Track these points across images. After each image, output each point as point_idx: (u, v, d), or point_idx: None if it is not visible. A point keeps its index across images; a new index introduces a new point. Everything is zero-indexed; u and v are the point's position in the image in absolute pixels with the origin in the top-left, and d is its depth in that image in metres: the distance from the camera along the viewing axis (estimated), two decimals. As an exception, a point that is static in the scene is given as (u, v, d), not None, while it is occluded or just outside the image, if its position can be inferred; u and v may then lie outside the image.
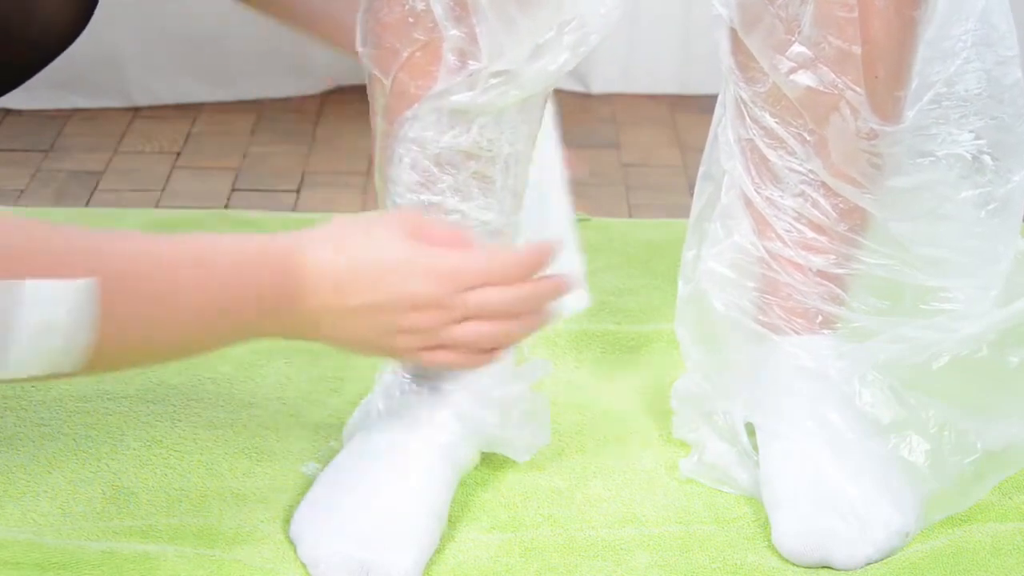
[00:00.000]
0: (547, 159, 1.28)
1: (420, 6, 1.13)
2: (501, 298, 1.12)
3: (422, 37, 1.14)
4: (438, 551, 1.19)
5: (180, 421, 1.34)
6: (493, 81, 1.14)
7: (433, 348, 1.13)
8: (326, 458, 1.27)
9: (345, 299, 1.09)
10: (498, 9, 1.12)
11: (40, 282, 0.96)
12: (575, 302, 1.22)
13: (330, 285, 1.08)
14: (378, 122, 1.20)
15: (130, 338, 1.02)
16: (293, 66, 2.15)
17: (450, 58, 1.14)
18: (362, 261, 1.10)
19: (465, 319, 1.12)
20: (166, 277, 1.04)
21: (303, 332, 1.10)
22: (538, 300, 1.14)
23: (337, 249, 1.10)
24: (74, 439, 1.31)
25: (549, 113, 1.24)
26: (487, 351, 1.15)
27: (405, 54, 1.15)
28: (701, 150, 1.31)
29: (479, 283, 1.11)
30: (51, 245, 0.99)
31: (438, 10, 1.13)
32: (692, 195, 1.32)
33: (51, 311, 0.96)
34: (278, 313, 1.08)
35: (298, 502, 1.22)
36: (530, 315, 1.14)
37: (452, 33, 1.13)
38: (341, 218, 1.13)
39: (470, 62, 1.14)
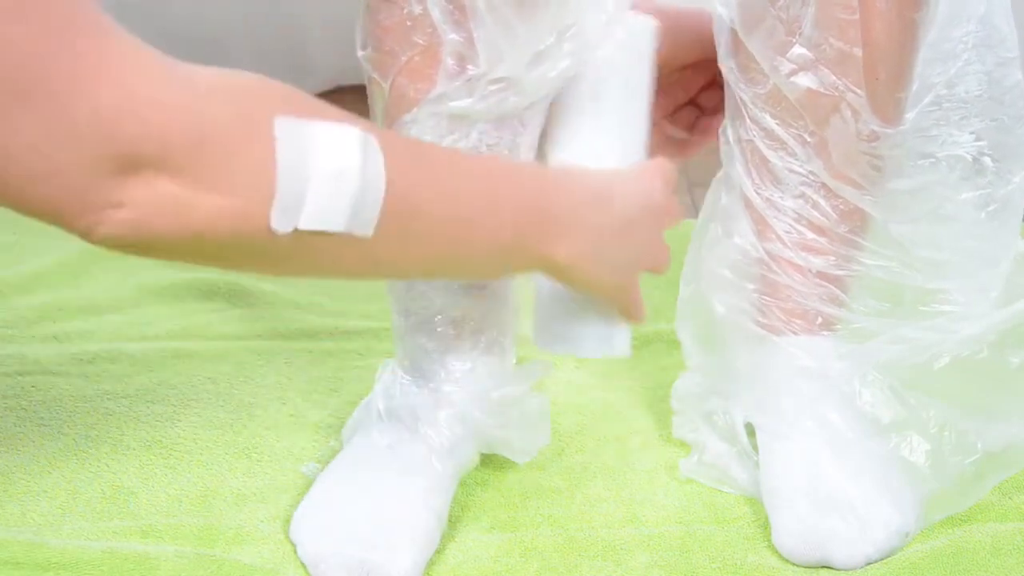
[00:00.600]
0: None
1: (418, 10, 1.13)
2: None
3: (421, 41, 1.14)
4: (438, 551, 1.19)
5: (180, 421, 1.34)
6: (492, 88, 1.14)
7: (664, 261, 1.15)
8: (326, 458, 1.27)
9: (615, 208, 1.09)
10: (496, 15, 1.12)
11: (328, 124, 0.92)
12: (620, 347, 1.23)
13: (581, 181, 1.09)
14: (378, 125, 1.20)
15: (417, 207, 0.97)
16: (293, 66, 2.15)
17: (449, 62, 1.14)
18: (614, 174, 1.12)
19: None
20: (445, 150, 1.03)
21: (560, 238, 1.06)
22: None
23: (588, 171, 1.11)
24: (74, 439, 1.31)
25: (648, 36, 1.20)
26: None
27: (404, 58, 1.15)
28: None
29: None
30: (330, 107, 0.95)
31: (436, 14, 1.12)
32: (692, 195, 1.32)
33: (343, 156, 0.92)
34: (558, 223, 1.06)
35: (298, 502, 1.22)
36: None
37: (451, 37, 1.13)
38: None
39: (469, 67, 1.14)
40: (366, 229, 0.94)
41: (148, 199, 0.87)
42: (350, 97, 2.17)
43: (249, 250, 0.92)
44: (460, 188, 1.01)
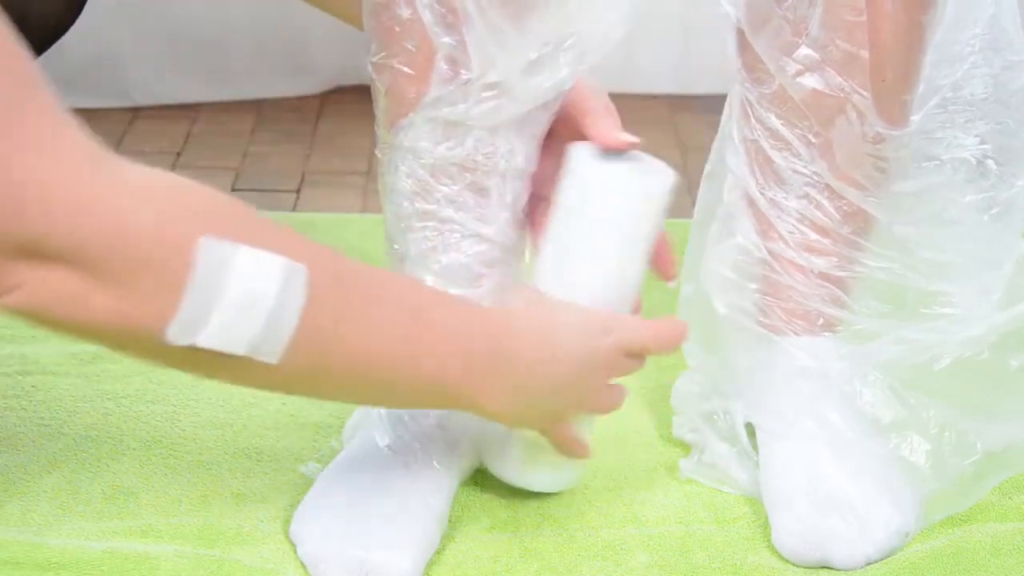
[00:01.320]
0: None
1: (406, 14, 1.13)
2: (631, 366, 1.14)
3: (411, 46, 1.14)
4: (438, 551, 1.19)
5: (180, 421, 1.34)
6: (486, 94, 1.14)
7: (598, 406, 1.14)
8: (326, 458, 1.27)
9: (546, 352, 1.08)
10: (486, 19, 1.12)
11: (253, 250, 0.91)
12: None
13: (537, 337, 1.08)
14: (378, 128, 1.20)
15: (332, 342, 0.97)
16: (293, 66, 2.15)
17: (443, 66, 1.14)
18: (565, 318, 1.10)
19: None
20: (379, 284, 1.01)
21: (488, 394, 1.06)
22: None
23: (540, 312, 1.10)
24: (74, 439, 1.31)
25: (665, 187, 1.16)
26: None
27: (397, 61, 1.15)
28: (701, 150, 1.30)
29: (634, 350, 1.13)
30: (267, 226, 0.94)
31: (427, 16, 1.12)
32: (692, 195, 1.32)
33: (260, 284, 0.91)
34: (484, 371, 1.05)
35: (298, 502, 1.22)
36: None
37: (444, 40, 1.13)
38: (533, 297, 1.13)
39: (462, 71, 1.14)
40: (271, 357, 0.94)
41: (45, 288, 0.87)
42: (350, 97, 2.18)
43: (142, 350, 0.93)
44: (384, 329, 1.00)
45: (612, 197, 1.14)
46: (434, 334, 1.03)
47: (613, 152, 1.16)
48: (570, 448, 1.17)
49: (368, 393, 1.06)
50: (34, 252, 0.85)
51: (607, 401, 1.15)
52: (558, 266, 1.16)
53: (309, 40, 2.16)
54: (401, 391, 1.05)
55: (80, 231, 0.86)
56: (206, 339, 0.91)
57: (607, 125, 1.16)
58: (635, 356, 1.14)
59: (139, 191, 0.89)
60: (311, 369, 0.98)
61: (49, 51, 1.42)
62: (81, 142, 0.87)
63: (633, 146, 1.17)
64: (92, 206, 0.86)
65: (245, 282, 0.91)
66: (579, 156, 1.15)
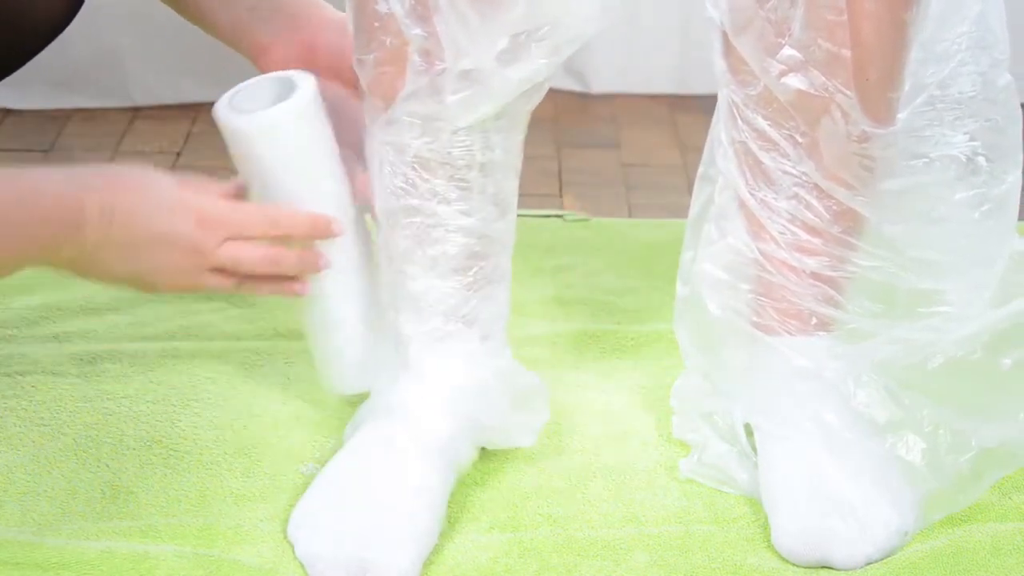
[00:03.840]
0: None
1: (383, 9, 1.13)
2: (251, 256, 1.19)
3: (388, 41, 1.14)
4: (437, 551, 1.19)
5: (180, 421, 1.34)
6: (459, 84, 1.14)
7: (190, 285, 1.19)
8: (326, 458, 1.27)
9: (118, 233, 1.13)
10: (455, 7, 1.12)
11: None
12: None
13: (107, 221, 1.13)
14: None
15: None
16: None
17: (416, 59, 1.14)
18: (137, 201, 1.15)
19: (216, 268, 1.18)
20: None
21: (83, 267, 1.14)
22: (289, 267, 1.21)
23: (115, 188, 1.14)
24: (74, 439, 1.31)
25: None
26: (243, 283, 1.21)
27: (378, 56, 1.15)
28: (701, 150, 1.31)
29: (236, 235, 1.18)
30: None
31: (398, 9, 1.13)
32: (692, 195, 1.32)
33: None
34: (59, 248, 1.12)
35: (297, 502, 1.22)
36: (279, 280, 1.22)
37: (415, 32, 1.13)
38: (117, 165, 1.19)
39: (436, 63, 1.14)
40: None
41: None
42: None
43: None
44: None
45: (248, 143, 1.22)
46: (14, 230, 1.10)
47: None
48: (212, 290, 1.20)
49: None
50: None
51: (185, 283, 1.19)
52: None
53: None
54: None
55: None
56: None
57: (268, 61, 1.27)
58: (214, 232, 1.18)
59: None
60: None
61: (49, 50, 1.41)
62: None
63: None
64: None
65: None
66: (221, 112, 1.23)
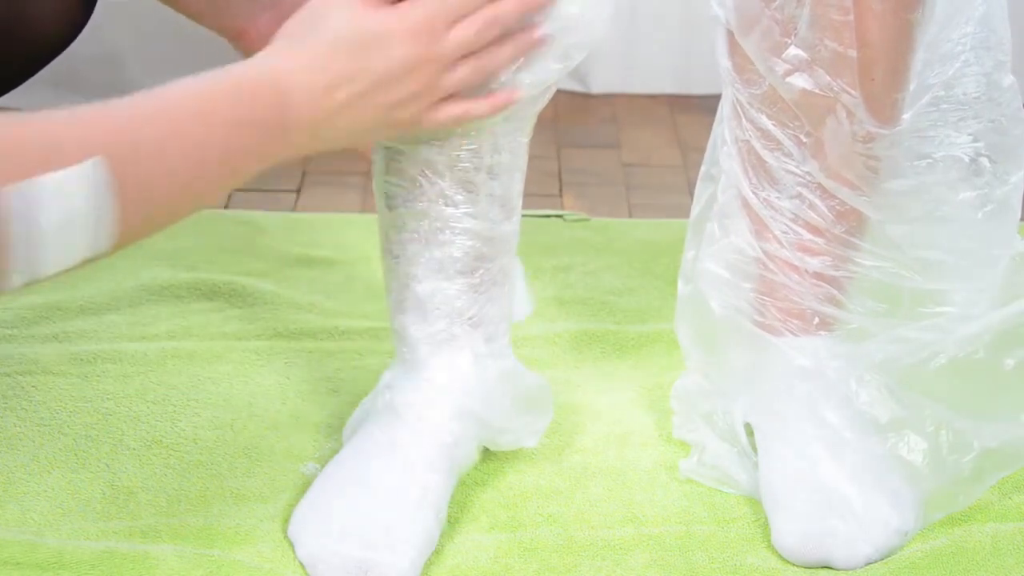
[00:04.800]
0: None
1: None
2: (478, 26, 1.10)
3: None
4: (437, 551, 1.19)
5: (180, 421, 1.34)
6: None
7: (436, 107, 1.12)
8: (326, 458, 1.27)
9: (334, 95, 1.07)
10: None
11: (48, 178, 0.92)
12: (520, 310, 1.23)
13: (318, 89, 1.06)
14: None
15: (149, 198, 0.99)
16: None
17: None
18: (336, 52, 1.08)
19: (454, 63, 1.11)
20: (165, 131, 1.01)
21: (308, 144, 1.08)
22: (513, 16, 1.12)
23: (310, 54, 1.07)
24: (74, 439, 1.31)
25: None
26: (490, 94, 1.14)
27: None
28: (701, 150, 1.31)
29: (451, 21, 1.10)
30: (48, 132, 0.95)
31: None
32: (692, 195, 1.32)
33: (69, 204, 0.93)
34: (276, 134, 1.06)
35: (297, 502, 1.22)
36: (515, 36, 1.13)
37: None
38: (291, 22, 1.10)
39: None
40: (106, 246, 0.97)
41: None
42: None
43: None
44: (187, 156, 1.01)
45: None
46: (227, 129, 1.04)
47: None
48: (449, 118, 1.13)
49: (203, 200, 1.06)
50: None
51: (448, 84, 1.11)
52: None
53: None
54: (228, 185, 1.07)
55: None
56: (45, 269, 0.94)
57: None
58: (433, 37, 1.10)
59: None
60: (144, 224, 1.01)
61: (49, 50, 1.42)
62: None
63: None
64: None
65: (56, 209, 0.93)
66: None
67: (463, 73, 1.11)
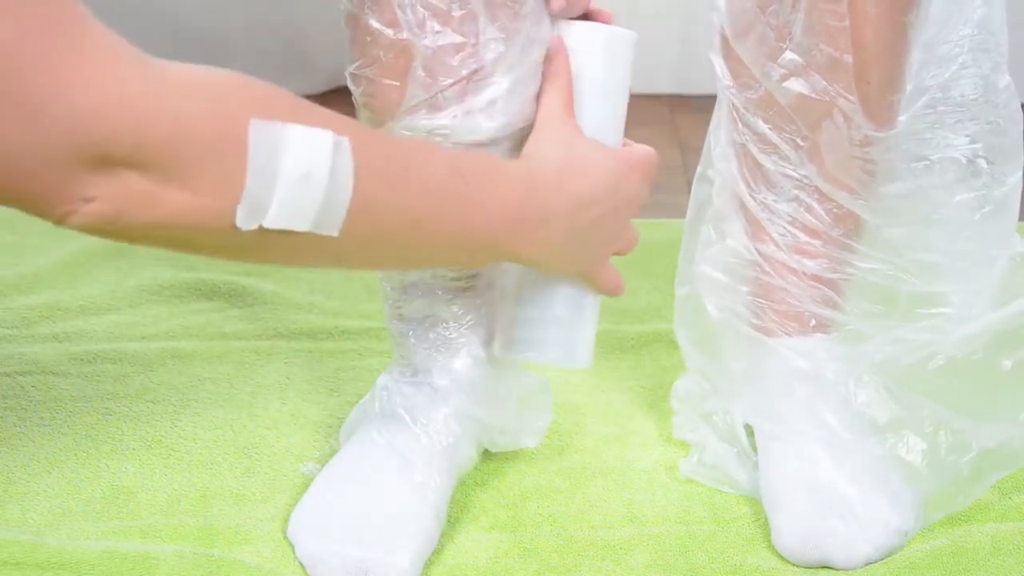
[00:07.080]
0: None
1: (376, 24, 1.12)
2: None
3: (383, 55, 1.14)
4: (437, 551, 1.19)
5: (180, 421, 1.34)
6: (470, 102, 1.14)
7: (624, 240, 1.16)
8: (326, 458, 1.27)
9: (574, 194, 1.09)
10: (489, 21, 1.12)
11: (301, 127, 0.93)
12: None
13: (557, 180, 1.08)
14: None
15: (385, 208, 0.98)
16: (293, 66, 2.15)
17: (420, 73, 1.13)
18: (581, 160, 1.11)
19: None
20: (417, 149, 1.02)
21: (532, 237, 1.08)
22: None
23: (557, 156, 1.11)
24: (74, 439, 1.31)
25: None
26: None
27: (372, 71, 1.15)
28: (701, 150, 1.31)
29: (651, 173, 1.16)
30: (308, 106, 0.96)
31: (410, 18, 1.12)
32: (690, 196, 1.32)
33: (312, 159, 0.93)
34: (523, 216, 1.06)
35: (297, 502, 1.22)
36: None
37: (423, 43, 1.12)
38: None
39: (440, 78, 1.13)
40: (332, 229, 0.95)
41: (118, 193, 0.88)
42: (350, 97, 2.18)
43: (215, 242, 0.94)
44: (431, 190, 1.01)
45: (606, 52, 1.22)
46: (483, 196, 1.04)
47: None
48: (609, 286, 1.16)
49: (419, 256, 1.07)
50: (102, 162, 0.87)
51: (631, 238, 1.17)
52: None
53: (309, 40, 2.17)
54: (449, 250, 1.06)
55: (141, 135, 0.87)
56: (272, 219, 0.93)
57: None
58: (648, 182, 1.16)
59: (184, 87, 0.90)
60: (368, 237, 0.99)
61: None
62: (129, 51, 0.89)
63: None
64: (147, 110, 0.87)
65: (298, 159, 0.93)
66: (567, 28, 1.19)
67: (632, 234, 1.17)
